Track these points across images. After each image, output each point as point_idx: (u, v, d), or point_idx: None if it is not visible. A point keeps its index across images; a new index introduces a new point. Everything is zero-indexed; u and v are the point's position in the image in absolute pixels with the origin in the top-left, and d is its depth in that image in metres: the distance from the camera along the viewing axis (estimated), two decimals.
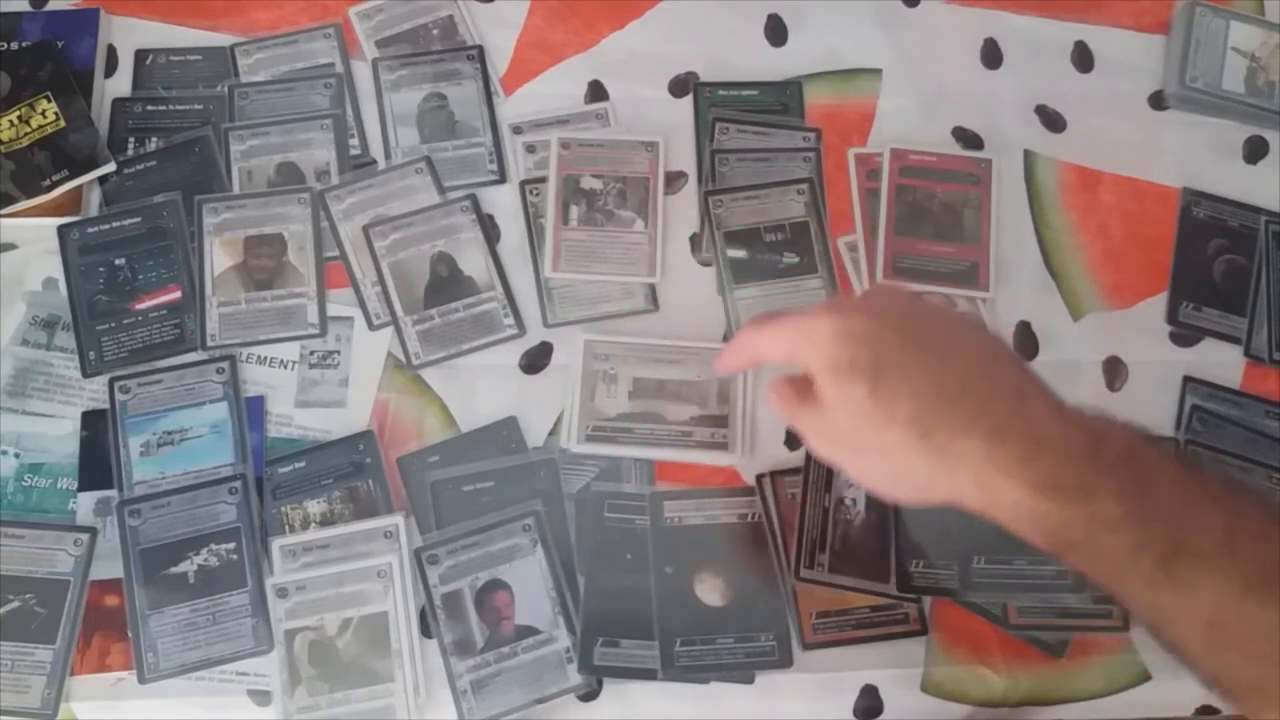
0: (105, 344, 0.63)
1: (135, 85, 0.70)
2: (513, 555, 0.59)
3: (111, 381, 0.62)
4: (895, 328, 0.44)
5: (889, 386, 0.43)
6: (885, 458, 0.45)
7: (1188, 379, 0.67)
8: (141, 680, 0.57)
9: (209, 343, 0.64)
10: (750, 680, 0.59)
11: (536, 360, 0.65)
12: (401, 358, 0.64)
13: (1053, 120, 0.73)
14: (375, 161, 0.69)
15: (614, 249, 0.67)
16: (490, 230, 0.68)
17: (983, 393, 0.42)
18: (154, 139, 0.68)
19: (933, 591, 0.60)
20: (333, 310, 0.65)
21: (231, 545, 0.59)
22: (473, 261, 0.66)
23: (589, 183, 0.68)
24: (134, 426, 0.61)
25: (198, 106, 0.69)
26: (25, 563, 0.58)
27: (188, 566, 0.58)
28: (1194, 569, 0.39)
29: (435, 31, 0.73)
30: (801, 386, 0.47)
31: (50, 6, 0.71)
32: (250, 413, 0.62)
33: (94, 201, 0.67)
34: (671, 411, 0.63)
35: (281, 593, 0.58)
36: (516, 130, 0.70)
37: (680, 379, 0.64)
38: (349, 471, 0.61)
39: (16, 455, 0.61)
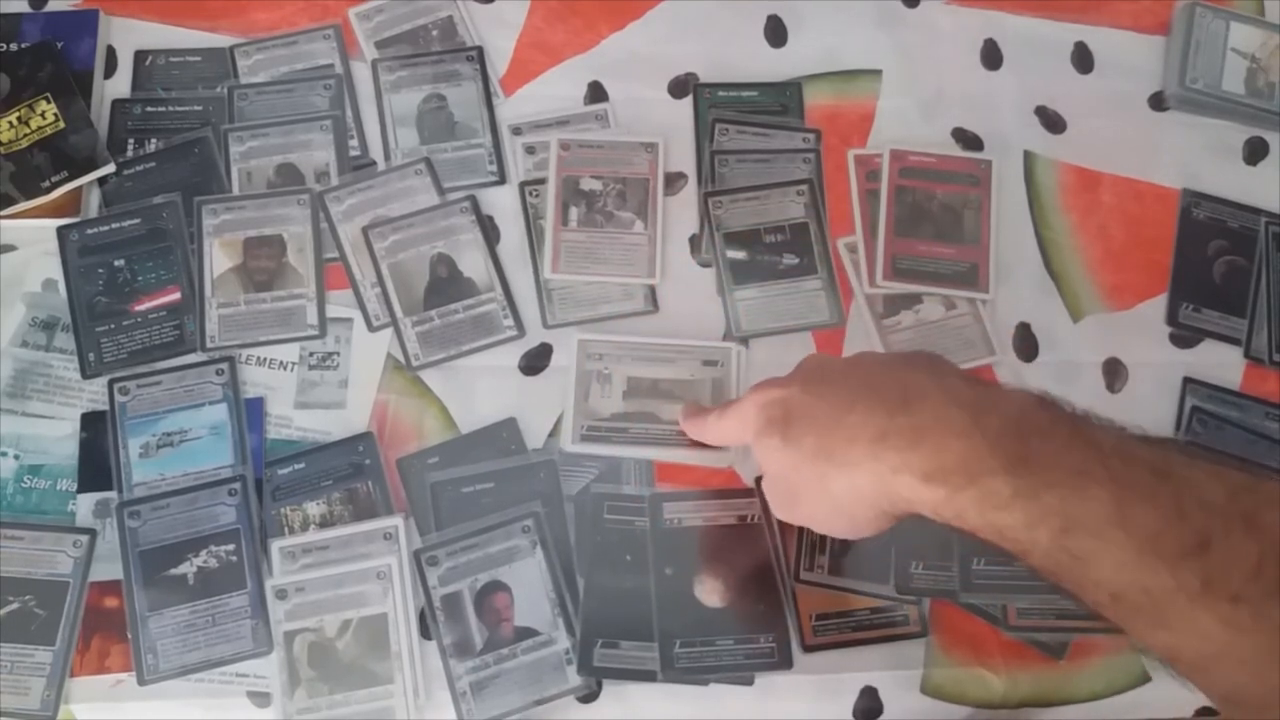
0: (105, 345, 0.63)
1: (135, 86, 0.70)
2: (512, 557, 0.59)
3: (111, 383, 0.62)
4: (801, 383, 0.48)
5: (796, 429, 0.46)
6: (814, 496, 0.47)
7: (1188, 380, 0.67)
8: (141, 682, 0.57)
9: (208, 344, 0.64)
10: (750, 682, 0.59)
11: (536, 362, 0.65)
12: (401, 359, 0.64)
13: (1053, 121, 0.73)
14: (375, 163, 0.69)
15: (613, 250, 0.67)
16: (490, 231, 0.67)
17: (868, 402, 0.44)
18: (153, 140, 0.68)
19: (932, 593, 0.60)
20: (332, 311, 0.65)
21: (231, 547, 0.59)
22: (472, 263, 0.66)
23: (589, 184, 0.68)
24: (133, 428, 0.61)
25: (197, 108, 0.69)
26: (25, 564, 0.58)
27: (187, 568, 0.58)
28: (1086, 542, 0.38)
29: (435, 32, 0.73)
30: None
31: (50, 7, 0.71)
32: (250, 414, 0.62)
33: (93, 203, 0.67)
34: (666, 411, 0.63)
35: (281, 594, 0.58)
36: (516, 131, 0.70)
37: (674, 378, 0.64)
38: (348, 473, 0.61)
39: (16, 457, 0.61)
